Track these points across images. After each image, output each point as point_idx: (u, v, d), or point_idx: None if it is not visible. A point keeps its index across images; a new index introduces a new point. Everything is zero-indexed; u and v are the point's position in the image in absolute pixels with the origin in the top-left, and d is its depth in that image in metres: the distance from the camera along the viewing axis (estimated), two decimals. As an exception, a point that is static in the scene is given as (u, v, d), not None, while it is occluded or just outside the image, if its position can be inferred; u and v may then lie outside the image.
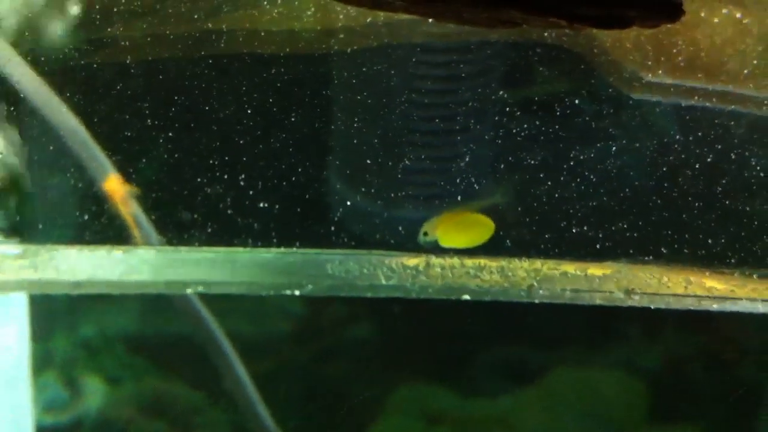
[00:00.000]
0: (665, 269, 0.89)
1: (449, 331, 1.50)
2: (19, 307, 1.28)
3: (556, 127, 0.99)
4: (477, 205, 1.02)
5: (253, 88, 0.95)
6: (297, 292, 0.93)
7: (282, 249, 0.92)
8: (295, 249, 0.92)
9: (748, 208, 0.94)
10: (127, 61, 0.97)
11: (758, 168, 0.95)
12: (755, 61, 1.01)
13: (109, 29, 0.95)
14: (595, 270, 0.88)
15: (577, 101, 0.99)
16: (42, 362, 1.42)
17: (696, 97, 1.00)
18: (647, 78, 0.99)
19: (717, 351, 1.53)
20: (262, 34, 0.96)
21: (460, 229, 1.00)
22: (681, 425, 1.56)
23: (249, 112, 0.94)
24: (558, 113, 0.99)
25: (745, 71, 0.99)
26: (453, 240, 1.00)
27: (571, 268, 0.88)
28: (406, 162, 0.95)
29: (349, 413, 1.53)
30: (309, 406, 1.51)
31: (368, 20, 0.98)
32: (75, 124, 1.05)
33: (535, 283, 0.88)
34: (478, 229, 1.01)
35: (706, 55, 1.02)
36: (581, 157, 0.96)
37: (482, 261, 0.89)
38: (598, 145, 0.98)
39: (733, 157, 0.96)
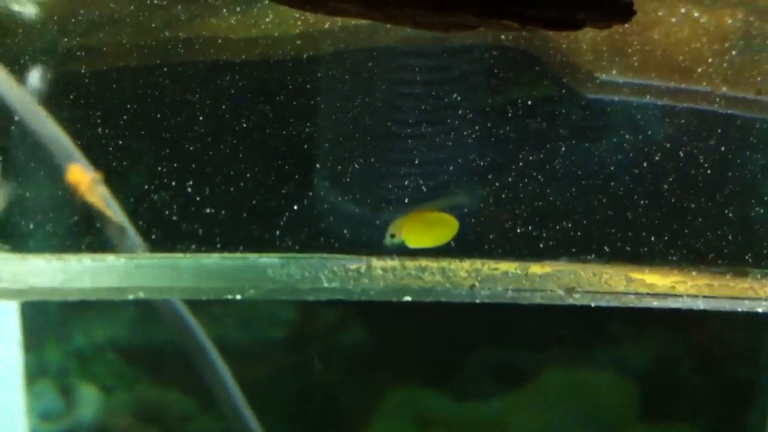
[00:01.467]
0: (606, 267, 0.89)
1: (440, 335, 1.50)
2: (9, 317, 1.29)
3: (509, 128, 0.99)
4: (439, 205, 1.02)
5: (207, 95, 0.96)
6: (238, 296, 0.94)
7: (223, 254, 0.93)
8: (236, 254, 0.93)
9: (693, 205, 0.94)
10: (82, 71, 0.98)
11: (706, 165, 0.95)
12: (710, 59, 1.01)
13: (65, 39, 0.97)
14: (536, 269, 0.88)
15: (529, 102, 0.99)
16: (36, 371, 1.43)
17: (649, 96, 1.00)
18: (602, 77, 0.99)
19: (707, 350, 1.52)
20: (219, 41, 0.97)
21: (425, 229, 1.01)
22: (674, 424, 1.55)
23: (201, 118, 0.95)
24: (512, 114, 0.99)
25: (699, 69, 0.99)
26: (420, 240, 1.00)
27: (512, 267, 0.88)
28: (356, 165, 0.96)
29: (342, 418, 1.54)
30: (301, 412, 1.51)
31: (326, 26, 0.99)
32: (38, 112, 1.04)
33: (477, 284, 0.88)
34: (443, 227, 1.01)
35: (661, 54, 1.02)
36: (532, 158, 0.96)
37: (423, 262, 0.89)
38: (550, 145, 0.98)
39: (682, 154, 0.96)
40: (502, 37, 0.99)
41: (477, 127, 0.98)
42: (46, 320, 1.45)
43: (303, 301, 1.54)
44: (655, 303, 0.90)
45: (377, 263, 0.91)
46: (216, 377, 1.22)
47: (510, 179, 0.98)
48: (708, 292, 0.88)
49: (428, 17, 0.69)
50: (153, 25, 0.97)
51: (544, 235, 0.95)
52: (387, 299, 0.93)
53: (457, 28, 0.72)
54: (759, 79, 1.01)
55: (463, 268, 0.89)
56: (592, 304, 0.90)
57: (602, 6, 0.71)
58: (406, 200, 0.99)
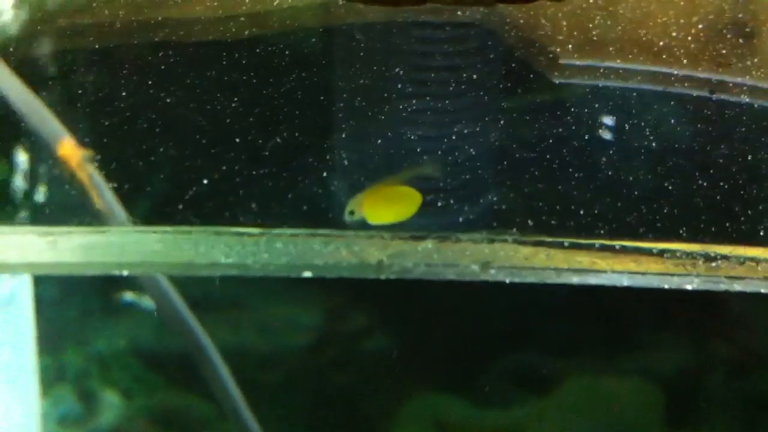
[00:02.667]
0: (524, 242, 0.87)
1: (461, 340, 1.49)
2: (24, 321, 1.33)
3: (457, 103, 0.99)
4: (399, 179, 1.01)
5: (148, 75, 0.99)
6: (125, 272, 0.95)
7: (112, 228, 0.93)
8: (127, 228, 0.93)
9: (630, 179, 0.92)
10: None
11: (648, 140, 0.93)
12: (674, 33, 0.99)
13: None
14: (449, 244, 0.87)
15: (486, 79, 0.99)
16: (54, 376, 1.46)
17: (606, 72, 0.99)
18: (559, 54, 0.99)
19: (735, 358, 1.48)
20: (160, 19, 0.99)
21: (387, 204, 0.99)
22: (700, 432, 1.51)
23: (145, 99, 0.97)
24: (465, 91, 0.99)
25: (661, 43, 0.98)
26: (381, 215, 0.99)
27: (424, 243, 0.87)
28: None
29: (361, 424, 1.54)
30: (320, 418, 1.52)
31: (275, 3, 1.00)
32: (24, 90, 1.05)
33: (385, 259, 0.87)
34: (405, 202, 1.00)
35: (623, 29, 1.01)
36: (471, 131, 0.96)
37: (329, 237, 0.88)
38: (500, 120, 0.98)
39: (627, 127, 0.94)
40: (458, 12, 0.99)
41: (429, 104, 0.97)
42: (64, 324, 1.47)
43: (325, 306, 1.55)
44: (576, 279, 0.88)
45: (278, 237, 0.90)
46: (218, 382, 1.22)
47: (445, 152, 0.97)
48: (634, 268, 0.86)
49: (375, -11, 0.65)
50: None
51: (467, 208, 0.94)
52: (286, 275, 0.92)
53: (409, 3, 0.69)
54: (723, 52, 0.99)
55: (372, 243, 0.88)
56: (507, 280, 0.89)
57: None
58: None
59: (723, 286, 0.83)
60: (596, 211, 0.91)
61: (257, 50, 1.03)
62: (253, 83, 1.01)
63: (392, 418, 1.52)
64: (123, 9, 1.07)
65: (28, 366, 1.34)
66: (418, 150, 0.99)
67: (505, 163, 0.96)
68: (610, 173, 0.94)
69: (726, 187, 0.92)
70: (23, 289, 1.32)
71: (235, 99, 1.00)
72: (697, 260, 0.84)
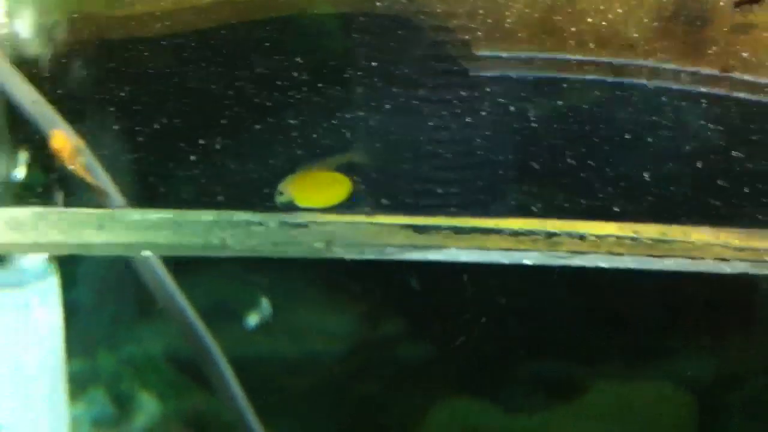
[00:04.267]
0: (372, 219, 0.87)
1: (490, 345, 1.49)
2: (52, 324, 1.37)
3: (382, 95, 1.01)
4: (332, 163, 1.03)
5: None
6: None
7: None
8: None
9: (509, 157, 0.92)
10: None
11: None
12: (589, 19, 0.99)
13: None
14: (293, 219, 0.88)
15: (407, 71, 1.01)
16: (88, 379, 1.52)
17: (523, 62, 0.99)
18: (474, 44, 1.00)
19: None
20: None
21: (315, 188, 1.01)
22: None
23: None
24: (387, 82, 1.01)
25: (572, 29, 0.98)
26: (309, 199, 1.01)
27: (268, 219, 0.88)
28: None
29: (390, 429, 1.54)
30: (349, 423, 1.53)
31: None
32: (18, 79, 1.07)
33: (228, 238, 0.89)
34: (335, 187, 1.01)
35: (539, 17, 1.01)
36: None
37: (175, 219, 0.90)
38: (416, 113, 0.99)
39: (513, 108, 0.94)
40: (377, 3, 1.00)
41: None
42: (97, 328, 1.53)
43: (355, 312, 1.57)
44: (416, 255, 0.87)
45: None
46: (223, 384, 1.25)
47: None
48: (478, 245, 0.85)
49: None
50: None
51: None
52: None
53: None
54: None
55: (212, 221, 0.89)
56: (347, 257, 0.89)
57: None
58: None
59: (562, 261, 0.81)
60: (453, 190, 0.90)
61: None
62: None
63: (420, 423, 1.51)
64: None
65: (57, 367, 1.38)
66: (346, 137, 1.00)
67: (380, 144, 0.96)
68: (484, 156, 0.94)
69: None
70: (51, 290, 1.36)
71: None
72: (539, 236, 0.83)
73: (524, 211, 0.93)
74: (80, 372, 1.48)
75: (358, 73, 1.02)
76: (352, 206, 0.98)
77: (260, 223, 0.86)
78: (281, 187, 1.01)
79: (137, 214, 0.87)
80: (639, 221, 0.86)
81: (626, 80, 0.98)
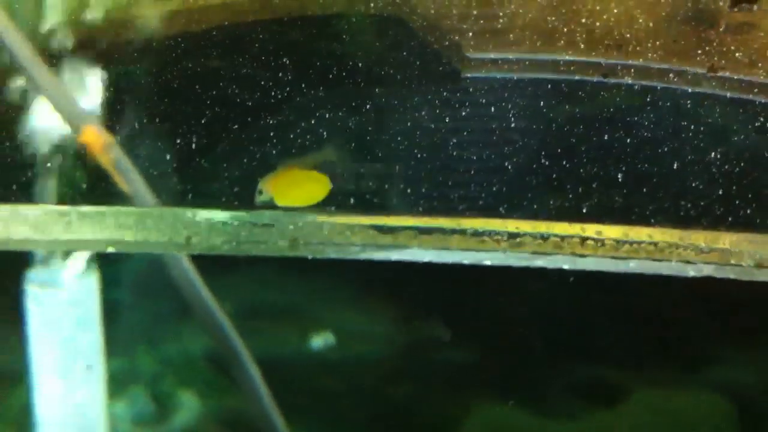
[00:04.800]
0: (333, 218, 0.87)
1: (528, 350, 1.47)
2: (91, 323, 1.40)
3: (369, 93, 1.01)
4: (311, 162, 1.03)
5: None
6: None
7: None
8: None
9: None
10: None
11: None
12: (584, 20, 0.98)
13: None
14: (263, 216, 0.87)
15: (397, 72, 1.00)
16: (128, 378, 1.54)
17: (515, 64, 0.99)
18: (464, 46, 0.99)
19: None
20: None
21: (295, 187, 1.01)
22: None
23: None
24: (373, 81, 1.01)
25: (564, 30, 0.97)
26: (289, 198, 1.00)
27: (226, 217, 0.87)
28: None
29: (426, 433, 1.54)
30: (385, 426, 1.53)
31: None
32: (50, 77, 1.08)
33: (193, 237, 0.89)
34: (314, 186, 1.01)
35: (531, 18, 1.01)
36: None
37: (140, 215, 0.90)
38: (407, 113, 0.99)
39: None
40: (371, 4, 1.00)
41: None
42: (137, 327, 1.55)
43: (393, 315, 1.56)
44: (379, 254, 0.86)
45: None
46: (249, 385, 1.26)
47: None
48: (438, 245, 0.84)
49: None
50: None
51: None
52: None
53: None
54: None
55: (180, 219, 0.89)
56: (309, 256, 0.88)
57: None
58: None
59: (524, 263, 0.79)
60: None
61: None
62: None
63: (456, 428, 1.50)
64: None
65: (95, 364, 1.40)
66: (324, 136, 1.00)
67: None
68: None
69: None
70: (91, 289, 1.39)
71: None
72: (502, 237, 0.81)
73: (501, 212, 0.91)
74: (120, 370, 1.49)
75: (344, 74, 1.01)
76: (331, 204, 0.97)
77: (224, 222, 0.86)
78: (261, 185, 1.01)
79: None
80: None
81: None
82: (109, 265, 1.36)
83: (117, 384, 1.51)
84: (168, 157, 1.02)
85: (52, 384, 1.37)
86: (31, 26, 1.07)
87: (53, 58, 1.11)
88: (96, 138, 1.06)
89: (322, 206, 0.97)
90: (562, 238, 0.81)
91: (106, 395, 1.42)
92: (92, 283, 1.38)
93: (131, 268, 1.49)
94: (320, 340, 1.43)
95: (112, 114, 1.03)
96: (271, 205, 0.98)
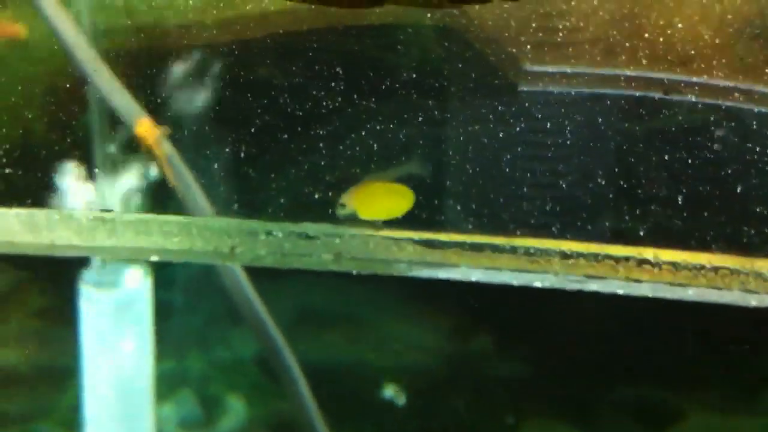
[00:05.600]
0: (376, 233, 0.84)
1: (579, 368, 1.45)
2: (143, 326, 1.40)
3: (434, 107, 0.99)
4: (394, 174, 1.01)
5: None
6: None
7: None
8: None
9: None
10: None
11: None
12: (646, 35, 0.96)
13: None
14: (307, 228, 0.85)
15: (457, 86, 0.99)
16: (177, 380, 1.54)
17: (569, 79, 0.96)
18: (522, 58, 0.97)
19: None
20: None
21: (378, 200, 1.00)
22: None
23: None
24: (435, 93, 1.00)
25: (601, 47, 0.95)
26: (371, 211, 0.99)
27: (278, 227, 0.86)
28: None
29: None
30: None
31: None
32: (106, 73, 1.10)
33: (237, 246, 0.87)
34: (397, 199, 0.99)
35: (592, 31, 0.98)
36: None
37: (185, 224, 0.89)
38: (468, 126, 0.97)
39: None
40: (428, 15, 0.98)
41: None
42: (188, 330, 1.55)
43: (444, 327, 1.55)
44: (426, 272, 0.84)
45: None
46: (295, 393, 1.25)
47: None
48: (487, 264, 0.81)
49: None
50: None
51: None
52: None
53: (363, 3, 0.68)
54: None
55: (225, 229, 0.87)
56: (354, 272, 0.86)
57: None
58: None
59: (577, 285, 0.76)
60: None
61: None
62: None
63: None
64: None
65: (145, 366, 1.40)
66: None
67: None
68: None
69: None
70: (144, 292, 1.39)
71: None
72: (552, 257, 0.78)
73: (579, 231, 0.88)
74: (169, 372, 1.49)
75: (416, 87, 0.99)
76: (415, 218, 0.95)
77: (269, 233, 0.84)
78: (343, 199, 0.99)
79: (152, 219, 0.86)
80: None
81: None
82: (163, 269, 1.36)
83: (166, 386, 1.50)
84: (248, 169, 1.00)
85: (102, 384, 1.37)
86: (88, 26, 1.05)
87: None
88: (150, 130, 1.07)
89: (404, 220, 0.94)
90: (617, 260, 0.78)
91: (154, 397, 1.41)
92: (146, 285, 1.38)
93: (184, 272, 1.48)
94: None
95: (182, 122, 1.02)
96: (353, 219, 0.96)
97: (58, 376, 1.45)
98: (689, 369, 1.40)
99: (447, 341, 1.51)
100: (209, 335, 1.56)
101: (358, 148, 1.02)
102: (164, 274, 1.39)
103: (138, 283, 1.36)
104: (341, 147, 1.02)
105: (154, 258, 0.93)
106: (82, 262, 1.24)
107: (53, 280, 1.38)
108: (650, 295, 0.80)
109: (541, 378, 1.47)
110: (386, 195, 0.99)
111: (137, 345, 1.39)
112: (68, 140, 1.13)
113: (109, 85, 1.09)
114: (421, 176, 0.99)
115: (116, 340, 1.36)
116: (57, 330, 1.45)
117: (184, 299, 1.50)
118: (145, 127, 1.07)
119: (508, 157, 0.97)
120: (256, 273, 1.14)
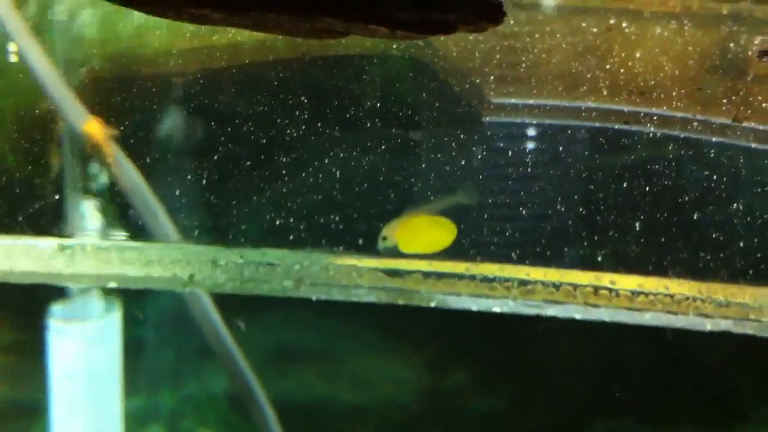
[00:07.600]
0: (334, 259, 0.84)
1: (558, 403, 1.44)
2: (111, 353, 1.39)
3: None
4: (437, 207, 1.00)
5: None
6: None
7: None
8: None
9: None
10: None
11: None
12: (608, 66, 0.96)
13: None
14: (268, 254, 0.85)
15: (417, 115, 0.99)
16: (148, 416, 1.53)
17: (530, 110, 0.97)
18: (486, 90, 0.98)
19: None
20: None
21: (421, 233, 0.99)
22: None
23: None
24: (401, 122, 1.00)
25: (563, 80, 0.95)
26: (414, 244, 0.98)
27: (235, 256, 0.85)
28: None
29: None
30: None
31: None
32: (53, 73, 1.08)
33: (197, 273, 0.87)
34: (440, 232, 0.99)
35: (554, 64, 0.99)
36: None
37: (142, 249, 0.88)
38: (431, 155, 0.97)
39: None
40: (394, 46, 0.99)
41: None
42: (161, 366, 1.54)
43: (423, 361, 1.54)
44: (384, 297, 0.83)
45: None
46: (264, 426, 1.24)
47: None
48: (445, 289, 0.81)
49: (295, 23, 0.63)
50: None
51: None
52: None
53: (328, 35, 0.68)
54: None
55: (184, 255, 0.87)
56: (313, 297, 0.85)
57: (473, 8, 0.65)
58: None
59: (535, 311, 0.76)
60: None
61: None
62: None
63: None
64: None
65: (113, 401, 1.39)
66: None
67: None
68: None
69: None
70: (113, 326, 1.38)
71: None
72: (512, 284, 0.78)
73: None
74: (139, 408, 1.48)
75: (381, 116, 0.99)
76: (458, 251, 0.94)
77: (228, 260, 0.84)
78: (385, 231, 0.98)
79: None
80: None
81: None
82: (133, 302, 1.35)
83: (136, 422, 1.49)
84: (211, 196, 1.00)
85: (71, 419, 1.36)
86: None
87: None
88: (99, 129, 1.06)
89: (450, 252, 0.94)
90: (575, 286, 0.78)
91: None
92: (115, 319, 1.37)
93: (154, 306, 1.48)
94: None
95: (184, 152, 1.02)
96: (395, 252, 0.95)
97: (26, 411, 1.44)
98: (667, 403, 1.39)
99: (423, 376, 1.50)
100: (180, 370, 1.55)
101: (320, 176, 1.02)
102: (134, 308, 1.38)
103: (107, 317, 1.35)
104: (304, 174, 1.02)
105: (113, 284, 0.92)
106: (50, 296, 1.23)
107: (22, 314, 1.37)
108: (607, 319, 0.80)
109: (518, 413, 1.46)
110: (429, 228, 0.99)
111: (107, 379, 1.38)
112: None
113: (54, 86, 1.07)
114: (469, 206, 0.99)
115: (85, 374, 1.35)
116: (26, 365, 1.44)
117: (155, 334, 1.49)
118: (94, 126, 1.06)
119: (470, 184, 0.97)
120: (230, 307, 1.14)
